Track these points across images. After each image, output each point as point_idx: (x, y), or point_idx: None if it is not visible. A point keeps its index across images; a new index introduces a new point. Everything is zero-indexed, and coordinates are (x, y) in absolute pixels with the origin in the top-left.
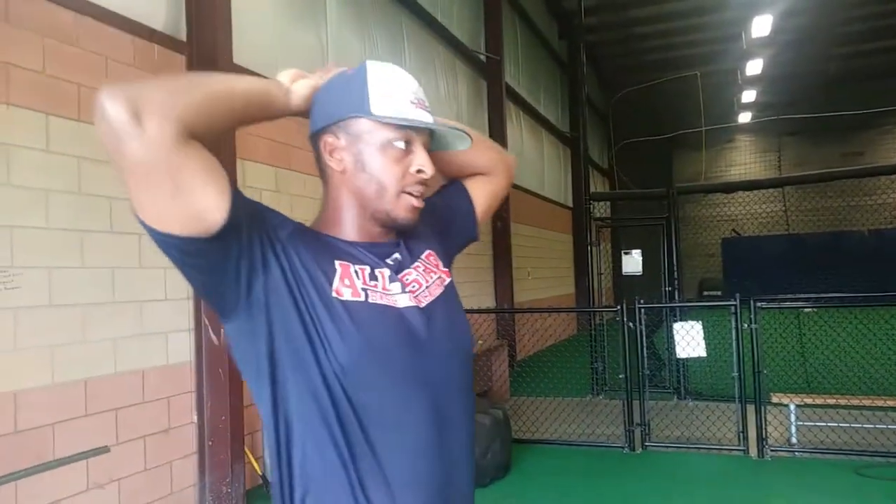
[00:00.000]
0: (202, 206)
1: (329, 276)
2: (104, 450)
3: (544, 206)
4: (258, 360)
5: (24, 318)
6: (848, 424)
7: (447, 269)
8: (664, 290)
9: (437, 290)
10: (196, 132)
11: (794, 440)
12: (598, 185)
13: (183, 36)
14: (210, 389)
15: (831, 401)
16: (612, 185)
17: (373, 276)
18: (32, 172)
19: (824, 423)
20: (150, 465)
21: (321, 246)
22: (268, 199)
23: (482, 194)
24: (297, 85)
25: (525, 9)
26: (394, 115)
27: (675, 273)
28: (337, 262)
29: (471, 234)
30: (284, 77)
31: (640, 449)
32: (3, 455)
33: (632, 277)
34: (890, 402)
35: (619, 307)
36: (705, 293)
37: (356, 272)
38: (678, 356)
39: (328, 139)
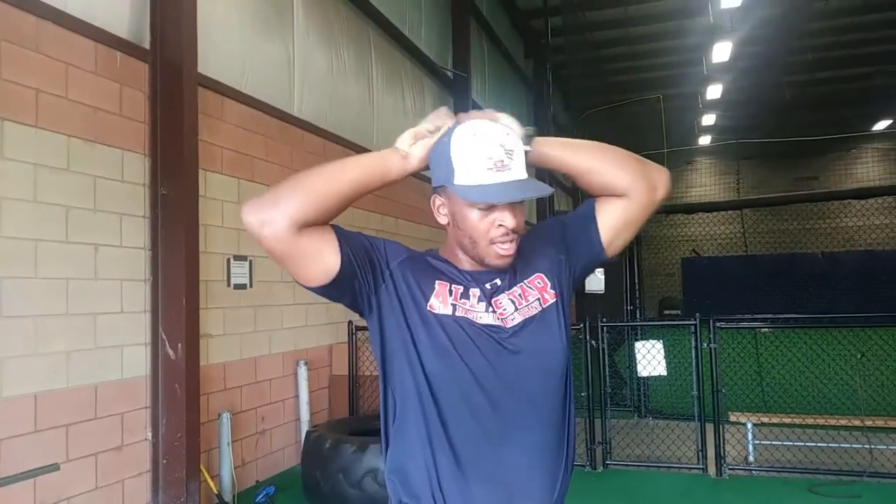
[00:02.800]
0: (323, 266)
1: (427, 293)
2: (54, 467)
3: None
4: (377, 351)
5: None
6: (803, 443)
7: (555, 291)
8: (626, 308)
9: (531, 312)
10: (309, 222)
11: (751, 458)
12: (563, 203)
13: (147, 44)
14: (165, 406)
15: (787, 420)
16: (576, 204)
17: (465, 295)
18: None
19: (780, 442)
20: (102, 483)
21: (431, 269)
22: (229, 211)
23: (610, 218)
24: (414, 148)
25: (492, 27)
26: (471, 184)
27: (637, 292)
28: (437, 282)
29: (597, 258)
30: (404, 143)
31: (602, 468)
32: None
33: (594, 296)
34: (842, 422)
35: (581, 325)
36: (666, 312)
37: (451, 290)
38: (639, 375)
39: (435, 198)
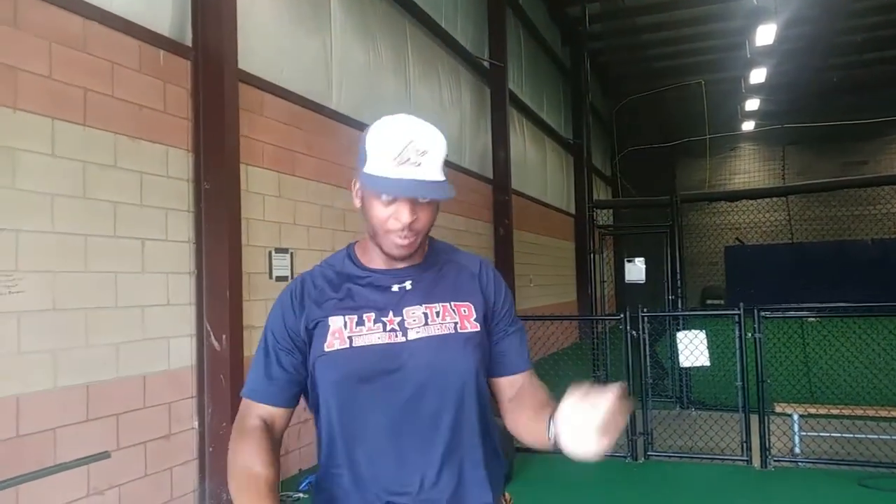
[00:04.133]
0: (298, 394)
1: (324, 334)
2: (105, 455)
3: (547, 213)
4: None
5: (27, 323)
6: (851, 435)
7: (479, 325)
8: (667, 298)
9: (442, 331)
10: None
11: (797, 450)
12: (600, 192)
13: (188, 41)
14: (211, 395)
15: (835, 411)
16: (615, 193)
17: (360, 322)
18: (38, 177)
19: (827, 434)
20: (151, 470)
21: (323, 298)
22: (270, 205)
23: (493, 377)
24: None
25: (528, 15)
26: (377, 174)
27: (679, 281)
28: (330, 320)
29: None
30: None
31: (643, 458)
32: (5, 459)
33: (634, 285)
34: (893, 413)
35: (621, 315)
36: (708, 302)
37: (345, 323)
38: (681, 365)
39: (355, 181)
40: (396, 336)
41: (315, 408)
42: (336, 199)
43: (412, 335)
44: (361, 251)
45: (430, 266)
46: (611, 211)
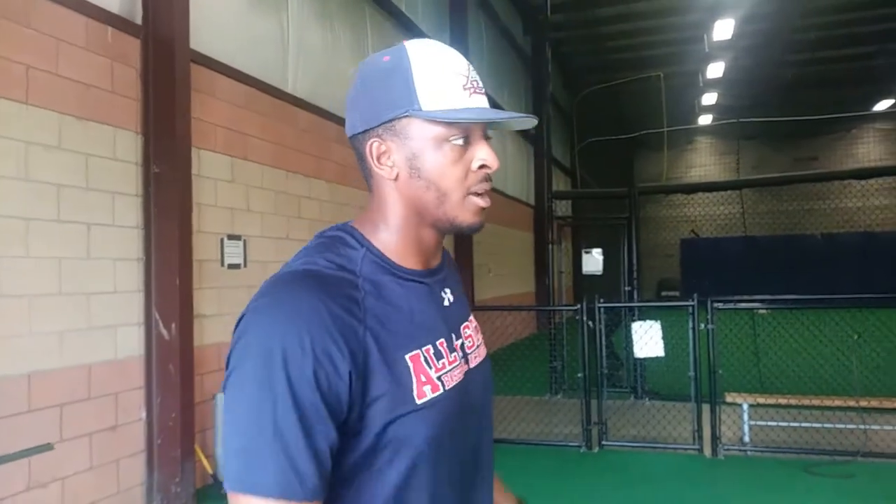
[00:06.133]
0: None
1: (407, 381)
2: (47, 447)
3: (506, 203)
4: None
5: None
6: (798, 424)
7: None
8: (623, 289)
9: (483, 354)
10: None
11: (746, 439)
12: (560, 183)
13: (139, 19)
14: (160, 385)
15: (783, 401)
16: (574, 184)
17: (437, 353)
18: None
19: (776, 423)
20: (96, 462)
21: (382, 329)
22: (223, 190)
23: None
24: None
25: (490, 3)
26: (449, 108)
27: (635, 273)
28: (408, 358)
29: None
30: None
31: (598, 448)
32: None
33: (592, 276)
34: (838, 402)
35: (579, 306)
36: (664, 293)
37: (425, 359)
38: (636, 356)
39: (373, 143)
40: (465, 365)
41: (347, 484)
42: (291, 185)
43: (472, 362)
44: (385, 249)
45: (443, 264)
46: (570, 202)
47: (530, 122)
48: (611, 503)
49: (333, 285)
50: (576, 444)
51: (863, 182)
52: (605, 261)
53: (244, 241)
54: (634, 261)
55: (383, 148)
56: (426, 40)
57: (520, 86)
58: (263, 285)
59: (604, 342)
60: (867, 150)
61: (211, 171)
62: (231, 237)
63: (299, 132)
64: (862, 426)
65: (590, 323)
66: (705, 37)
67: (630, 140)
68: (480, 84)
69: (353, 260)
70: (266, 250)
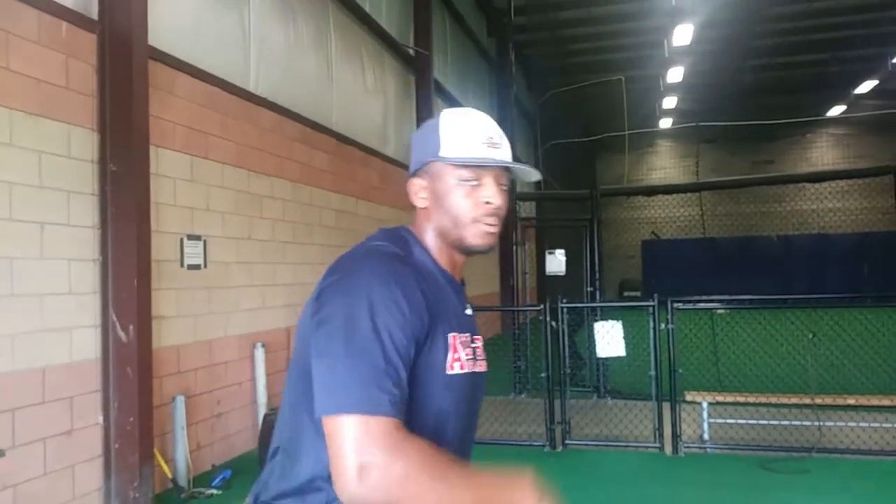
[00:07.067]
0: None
1: (443, 353)
2: None
3: None
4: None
5: None
6: (755, 421)
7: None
8: (586, 290)
9: (485, 366)
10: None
11: (706, 437)
12: (524, 185)
13: (94, 14)
14: (117, 389)
15: (741, 399)
16: (537, 186)
17: (465, 344)
18: None
19: (734, 421)
20: (51, 468)
21: (438, 305)
22: (182, 189)
23: None
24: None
25: (454, 4)
26: (461, 155)
27: (597, 273)
28: (450, 336)
29: None
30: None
31: (561, 447)
32: None
33: (555, 277)
34: (793, 400)
35: (542, 306)
36: (625, 293)
37: (461, 343)
38: (598, 355)
39: (414, 182)
40: (475, 365)
41: None
42: (252, 185)
43: (478, 367)
44: (431, 252)
45: (464, 285)
46: (533, 203)
47: (535, 174)
48: (574, 502)
49: (406, 264)
50: (540, 443)
51: (817, 185)
52: (567, 262)
53: (204, 241)
54: (597, 262)
55: (419, 186)
56: (465, 108)
57: (484, 87)
58: (354, 250)
59: (567, 342)
60: (821, 154)
61: (170, 169)
62: (191, 237)
63: (261, 131)
64: (817, 423)
65: (553, 323)
66: (665, 41)
67: (592, 142)
68: (500, 142)
69: (413, 252)
70: (227, 251)
